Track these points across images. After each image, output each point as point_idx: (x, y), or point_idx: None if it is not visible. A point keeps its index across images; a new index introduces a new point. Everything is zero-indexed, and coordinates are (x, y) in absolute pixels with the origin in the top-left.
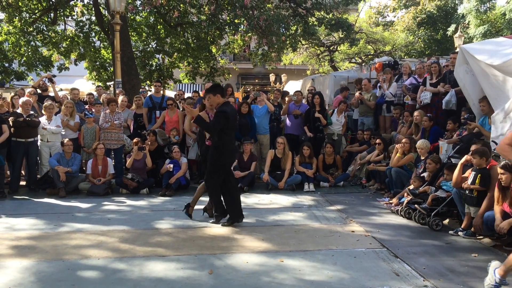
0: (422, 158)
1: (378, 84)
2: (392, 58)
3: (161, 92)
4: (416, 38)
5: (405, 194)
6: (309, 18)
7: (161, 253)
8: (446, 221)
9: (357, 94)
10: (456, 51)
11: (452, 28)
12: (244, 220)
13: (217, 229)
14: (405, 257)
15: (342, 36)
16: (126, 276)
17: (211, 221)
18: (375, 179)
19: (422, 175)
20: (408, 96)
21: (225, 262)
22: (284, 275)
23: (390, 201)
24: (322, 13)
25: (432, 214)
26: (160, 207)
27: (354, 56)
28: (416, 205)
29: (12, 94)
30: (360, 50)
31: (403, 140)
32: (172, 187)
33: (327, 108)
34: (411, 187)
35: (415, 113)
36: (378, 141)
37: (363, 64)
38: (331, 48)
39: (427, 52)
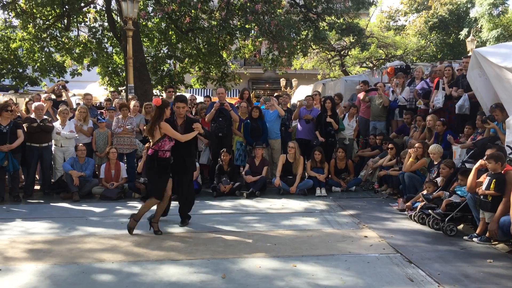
0: (435, 163)
1: (391, 89)
2: (404, 63)
3: (173, 97)
4: (428, 42)
5: (419, 199)
6: (320, 23)
7: (174, 257)
8: (460, 227)
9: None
10: (468, 55)
11: (464, 32)
12: (256, 225)
13: (229, 234)
14: (419, 263)
15: (353, 40)
16: (140, 280)
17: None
18: (388, 184)
19: (435, 180)
20: (420, 100)
21: (238, 267)
22: (297, 279)
23: (403, 206)
24: (333, 17)
25: (447, 219)
26: (172, 212)
27: (365, 60)
28: (430, 210)
29: (27, 99)
30: (371, 54)
31: (416, 145)
32: None
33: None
34: (425, 192)
35: (428, 118)
36: (390, 146)
37: (375, 68)
38: (342, 52)
39: (439, 56)
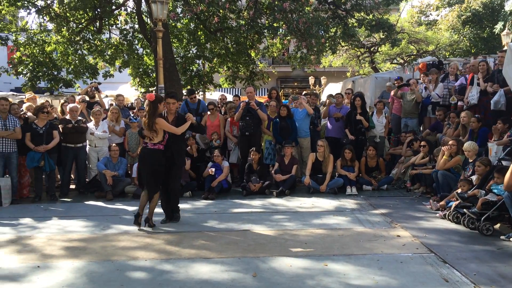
0: (470, 160)
1: (424, 85)
2: (436, 58)
3: (196, 99)
4: (461, 37)
5: (453, 198)
6: (349, 20)
7: (205, 256)
8: (497, 226)
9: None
10: (504, 49)
11: (499, 25)
12: (286, 223)
13: (260, 233)
14: (454, 263)
15: (383, 36)
16: (173, 277)
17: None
18: (420, 182)
19: (470, 178)
20: (454, 96)
21: (269, 265)
22: (328, 279)
23: (437, 205)
24: (362, 14)
25: (482, 218)
26: (203, 210)
27: (395, 56)
28: (465, 209)
29: (62, 101)
30: (402, 50)
31: (450, 142)
32: (214, 191)
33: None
34: (459, 190)
35: (462, 114)
36: (423, 143)
37: (406, 64)
38: (371, 49)
39: (473, 51)
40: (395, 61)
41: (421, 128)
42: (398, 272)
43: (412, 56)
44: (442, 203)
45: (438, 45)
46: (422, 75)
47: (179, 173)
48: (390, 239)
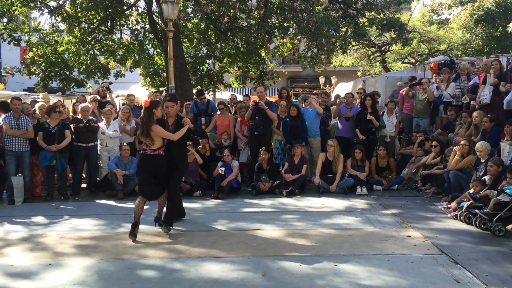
0: (483, 160)
1: (436, 85)
2: (448, 57)
3: (205, 100)
4: (474, 36)
5: (465, 198)
6: (360, 19)
7: (215, 255)
8: (509, 227)
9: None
10: None
11: None
12: (296, 223)
13: (269, 232)
14: (466, 264)
15: (394, 36)
16: (183, 276)
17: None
18: (432, 182)
19: (482, 178)
20: (466, 96)
21: (279, 265)
22: (338, 279)
23: (448, 206)
24: (373, 13)
25: (495, 219)
26: (213, 210)
27: (407, 56)
28: (477, 210)
29: (74, 101)
30: (413, 49)
31: (462, 142)
32: (224, 190)
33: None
34: (471, 191)
35: (474, 114)
36: (434, 143)
37: (417, 64)
38: (382, 48)
39: (485, 50)
40: (406, 60)
41: (433, 128)
42: (409, 272)
43: (424, 56)
44: (453, 203)
45: (450, 44)
46: (434, 74)
47: (180, 177)
48: (401, 239)
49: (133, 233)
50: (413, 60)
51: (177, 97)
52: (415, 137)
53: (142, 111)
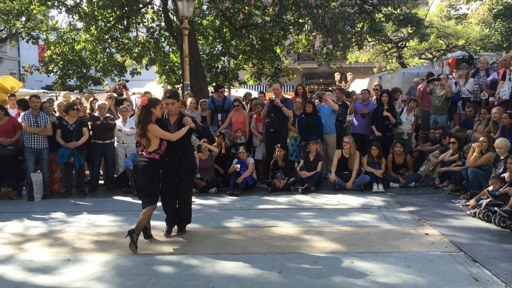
0: (502, 157)
1: (454, 81)
2: (466, 53)
3: (223, 94)
4: (493, 30)
5: (484, 196)
6: (376, 14)
7: (231, 251)
8: None
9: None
10: None
11: None
12: (312, 220)
13: (285, 229)
14: (485, 262)
15: (411, 31)
16: (199, 272)
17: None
18: (450, 180)
19: (502, 175)
20: (485, 92)
21: (294, 262)
22: (355, 276)
23: (467, 203)
24: (390, 8)
25: None
26: (228, 206)
27: (424, 51)
28: (496, 208)
29: (91, 98)
30: (431, 45)
31: (481, 139)
32: (239, 187)
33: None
34: (490, 188)
35: (493, 110)
36: (452, 140)
37: (435, 59)
38: (399, 44)
39: (504, 45)
40: (423, 56)
41: (451, 125)
42: (426, 270)
43: (441, 51)
44: (472, 201)
45: (468, 40)
46: (454, 70)
47: (190, 179)
48: (418, 237)
49: (147, 235)
50: (430, 56)
51: (178, 93)
52: (433, 133)
53: (139, 109)
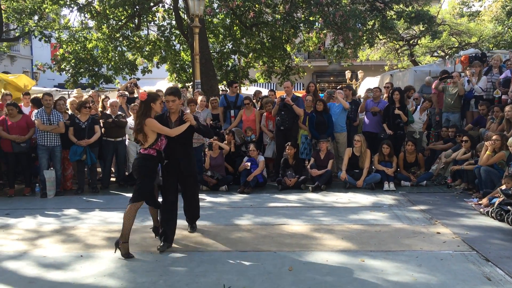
0: None
1: (467, 79)
2: (479, 50)
3: (237, 90)
4: (506, 28)
5: (497, 195)
6: (387, 12)
7: (241, 249)
8: None
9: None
10: None
11: None
12: (322, 218)
13: (296, 227)
14: (498, 261)
15: (423, 29)
16: (210, 269)
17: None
18: (462, 178)
19: None
20: (498, 90)
21: (305, 260)
22: (366, 274)
23: (479, 202)
24: (401, 6)
25: None
26: (239, 204)
27: (436, 49)
28: (509, 207)
29: (103, 96)
30: (443, 42)
31: (494, 137)
32: (250, 185)
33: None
34: (503, 187)
35: (507, 108)
36: (465, 138)
37: (447, 57)
38: (411, 42)
39: None
40: (435, 54)
41: (464, 123)
42: (438, 269)
43: (454, 49)
44: (484, 200)
45: (481, 37)
46: (467, 68)
47: (194, 183)
48: (430, 236)
49: (157, 233)
50: (442, 54)
51: (179, 90)
52: (446, 132)
53: (137, 103)
